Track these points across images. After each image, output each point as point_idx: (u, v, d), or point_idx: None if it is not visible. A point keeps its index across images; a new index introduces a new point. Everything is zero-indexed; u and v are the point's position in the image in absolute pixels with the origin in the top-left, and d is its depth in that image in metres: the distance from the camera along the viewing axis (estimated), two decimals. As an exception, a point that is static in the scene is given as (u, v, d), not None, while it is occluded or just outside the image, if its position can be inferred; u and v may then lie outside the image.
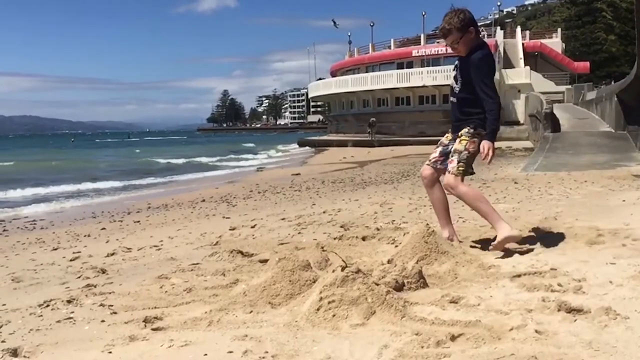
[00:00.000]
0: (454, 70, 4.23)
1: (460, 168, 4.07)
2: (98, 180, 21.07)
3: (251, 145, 61.05)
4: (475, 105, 4.02)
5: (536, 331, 2.44)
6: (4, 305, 3.46)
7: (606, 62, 55.10)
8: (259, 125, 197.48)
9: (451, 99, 4.24)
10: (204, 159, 36.33)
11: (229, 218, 8.06)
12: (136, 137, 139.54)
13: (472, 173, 4.26)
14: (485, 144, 3.94)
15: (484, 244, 4.28)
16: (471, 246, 4.28)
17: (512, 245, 4.17)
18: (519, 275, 3.35)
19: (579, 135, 20.42)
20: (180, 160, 35.31)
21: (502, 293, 3.06)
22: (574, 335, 2.40)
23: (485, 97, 3.94)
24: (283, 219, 6.98)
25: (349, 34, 78.48)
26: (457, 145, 4.11)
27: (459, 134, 4.11)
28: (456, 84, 4.14)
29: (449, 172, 4.10)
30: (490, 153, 3.91)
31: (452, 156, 4.13)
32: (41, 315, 3.14)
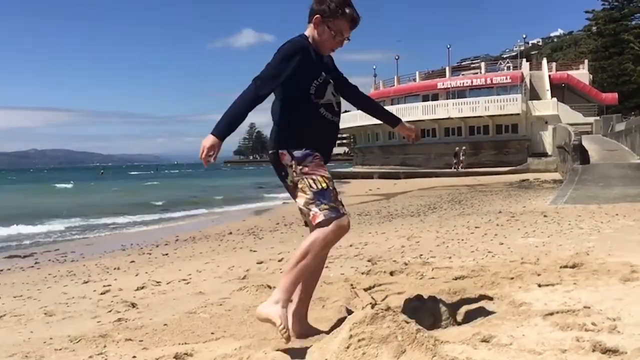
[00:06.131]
0: (330, 81, 3.15)
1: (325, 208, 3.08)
2: (128, 213, 21.34)
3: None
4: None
5: (571, 372, 2.39)
6: (37, 339, 3.52)
7: (635, 93, 54.49)
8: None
9: (334, 119, 3.20)
10: (239, 191, 37.02)
11: (255, 251, 8.09)
12: (167, 170, 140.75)
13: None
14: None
15: (514, 280, 4.23)
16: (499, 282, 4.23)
17: (543, 281, 4.11)
18: (551, 314, 3.28)
19: (608, 167, 20.14)
20: (214, 193, 35.70)
21: (535, 332, 3.00)
22: (610, 377, 2.35)
23: None
24: (310, 252, 6.98)
25: (374, 67, 79.62)
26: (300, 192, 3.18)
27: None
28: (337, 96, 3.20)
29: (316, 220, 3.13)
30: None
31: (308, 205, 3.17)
32: (74, 350, 3.17)
